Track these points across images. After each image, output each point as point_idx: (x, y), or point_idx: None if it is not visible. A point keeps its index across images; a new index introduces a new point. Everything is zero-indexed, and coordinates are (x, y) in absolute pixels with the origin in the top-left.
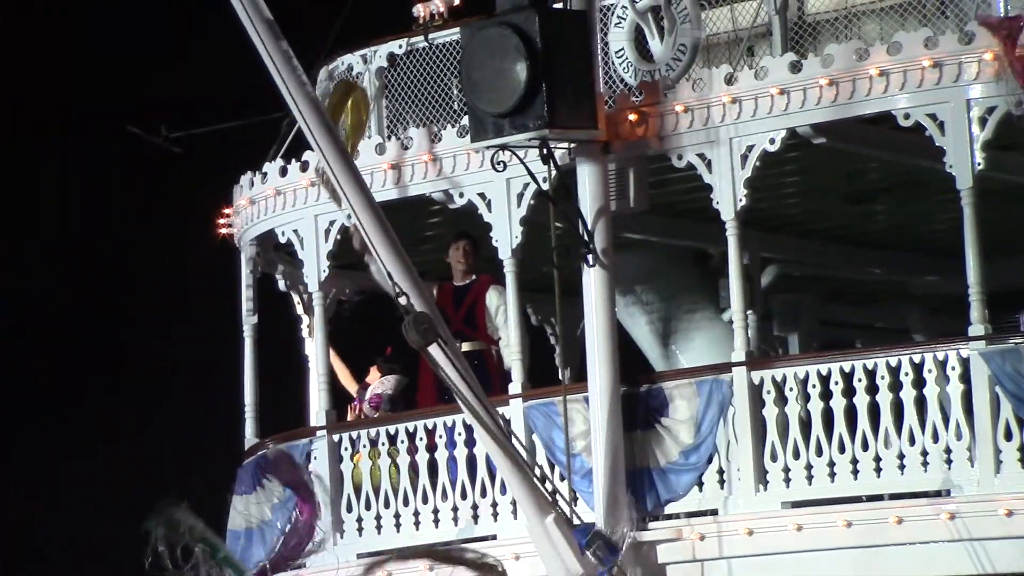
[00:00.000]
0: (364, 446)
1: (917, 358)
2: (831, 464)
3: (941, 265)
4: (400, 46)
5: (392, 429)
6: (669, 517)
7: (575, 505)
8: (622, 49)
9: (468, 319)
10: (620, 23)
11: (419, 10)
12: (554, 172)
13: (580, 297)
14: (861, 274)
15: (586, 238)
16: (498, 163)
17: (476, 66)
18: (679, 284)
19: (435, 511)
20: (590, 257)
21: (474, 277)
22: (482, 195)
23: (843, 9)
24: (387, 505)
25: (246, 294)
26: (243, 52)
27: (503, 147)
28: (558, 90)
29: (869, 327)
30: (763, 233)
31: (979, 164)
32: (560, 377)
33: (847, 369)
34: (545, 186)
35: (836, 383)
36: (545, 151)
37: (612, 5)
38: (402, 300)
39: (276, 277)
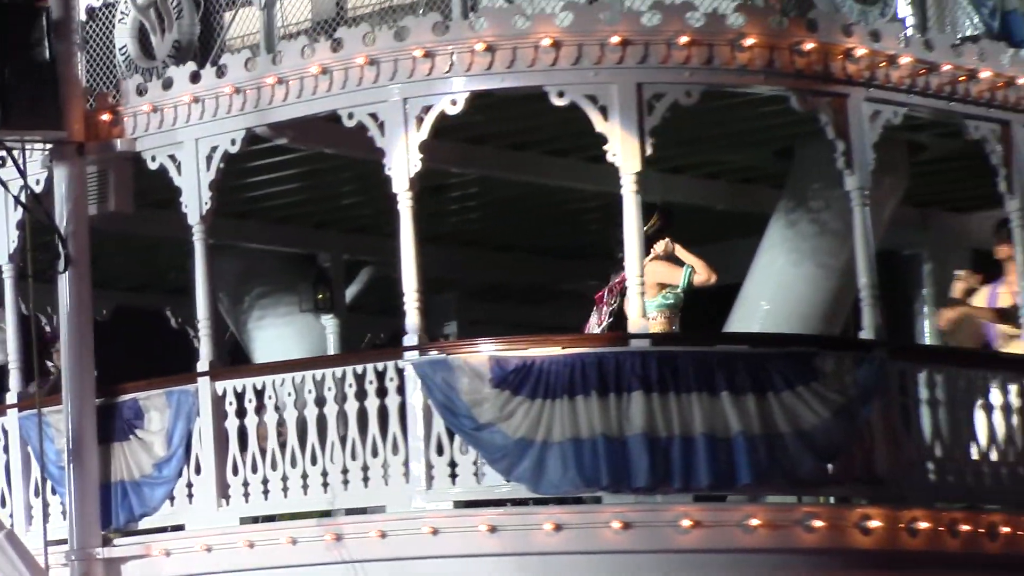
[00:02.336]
0: None
1: (360, 369)
2: (284, 479)
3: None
4: None
5: None
6: (144, 532)
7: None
8: (125, 46)
9: None
10: (123, 19)
11: None
12: (43, 175)
13: None
14: (474, 274)
15: (59, 243)
16: None
17: None
18: (260, 287)
19: None
20: (60, 262)
21: None
22: None
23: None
24: None
25: None
26: None
27: None
28: (14, 90)
29: (528, 324)
30: (346, 235)
31: (416, 165)
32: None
33: (298, 380)
34: (16, 190)
35: (290, 394)
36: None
37: (116, 1)
38: None
39: None
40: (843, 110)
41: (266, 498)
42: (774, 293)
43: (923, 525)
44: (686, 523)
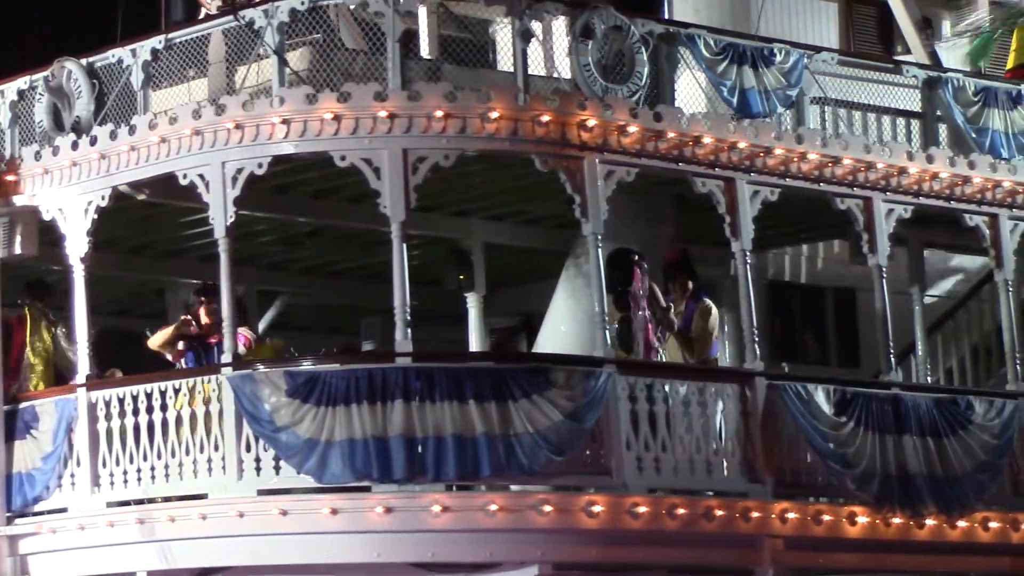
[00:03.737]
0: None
1: (191, 382)
2: (139, 471)
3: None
4: None
5: None
6: (38, 514)
7: None
8: (41, 120)
9: None
10: (41, 99)
11: None
12: None
13: None
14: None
15: None
16: None
17: None
18: None
19: None
20: None
21: None
22: None
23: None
24: None
25: None
26: None
27: None
28: None
29: (443, 342)
30: (260, 270)
31: (231, 217)
32: None
33: (149, 391)
34: None
35: (142, 403)
36: None
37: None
38: None
39: None
40: (580, 170)
41: (125, 486)
42: (565, 318)
43: (643, 509)
44: (437, 508)
